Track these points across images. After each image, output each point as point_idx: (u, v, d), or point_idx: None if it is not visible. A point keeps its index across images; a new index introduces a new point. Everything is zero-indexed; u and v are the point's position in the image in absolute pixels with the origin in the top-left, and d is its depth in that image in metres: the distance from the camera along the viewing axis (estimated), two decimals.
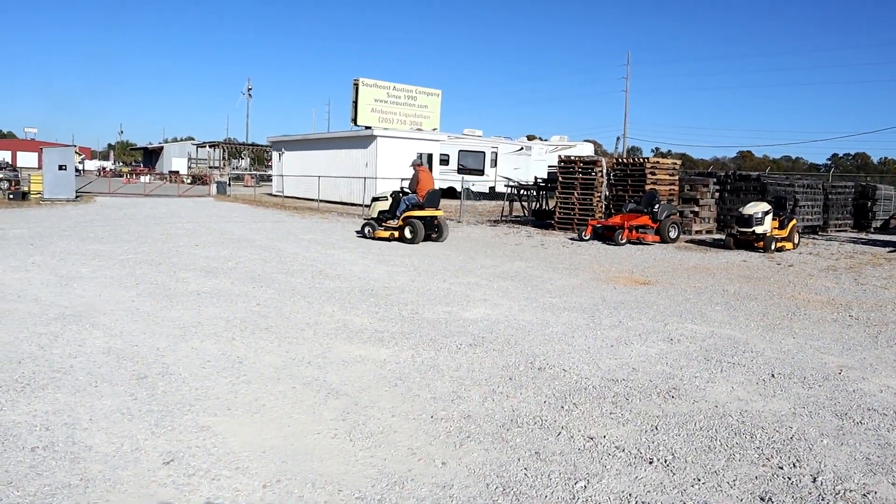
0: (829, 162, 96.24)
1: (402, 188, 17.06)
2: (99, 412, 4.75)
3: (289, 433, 4.48)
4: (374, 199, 16.91)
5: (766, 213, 16.23)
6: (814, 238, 20.67)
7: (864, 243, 19.34)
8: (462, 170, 34.90)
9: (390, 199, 16.39)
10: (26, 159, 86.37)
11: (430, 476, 3.92)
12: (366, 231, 16.62)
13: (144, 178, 53.51)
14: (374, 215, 16.62)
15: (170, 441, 4.30)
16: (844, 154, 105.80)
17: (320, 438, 4.41)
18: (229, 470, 3.93)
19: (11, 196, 27.58)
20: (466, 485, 3.82)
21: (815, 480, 4.00)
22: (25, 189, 28.69)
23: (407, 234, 15.83)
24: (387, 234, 16.16)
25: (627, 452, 4.32)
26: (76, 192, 28.74)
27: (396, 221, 16.08)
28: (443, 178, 32.99)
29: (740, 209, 16.92)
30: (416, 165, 17.01)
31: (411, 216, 15.86)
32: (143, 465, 3.96)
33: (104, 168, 77.47)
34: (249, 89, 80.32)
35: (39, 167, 41.99)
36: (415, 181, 16.41)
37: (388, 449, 4.27)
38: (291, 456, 4.13)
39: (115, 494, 3.62)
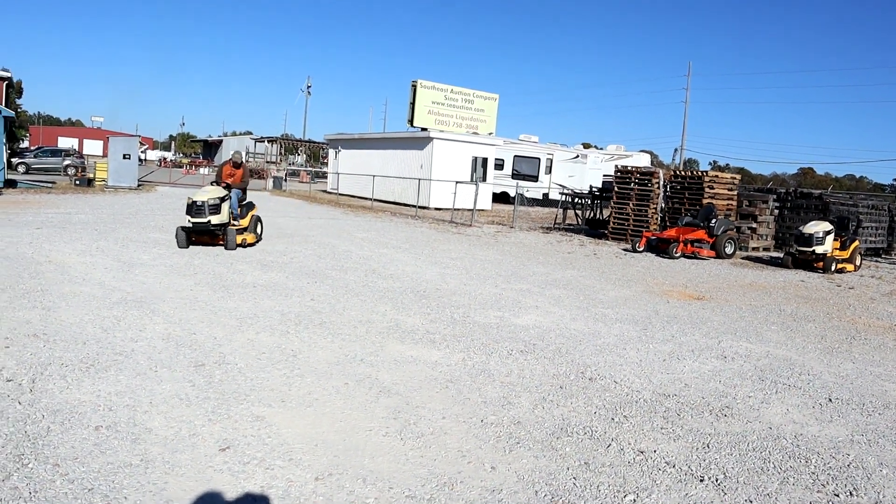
0: None
1: (216, 181, 13.52)
2: (158, 396, 4.90)
3: (341, 428, 4.56)
4: (223, 199, 12.57)
5: (828, 232, 15.82)
6: (877, 261, 20.06)
7: None
8: (516, 175, 34.85)
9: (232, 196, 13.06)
10: (92, 147, 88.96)
11: (479, 479, 3.94)
12: (236, 241, 12.58)
13: (203, 170, 54.70)
14: (228, 219, 12.72)
15: (226, 429, 4.41)
16: None
17: (372, 435, 4.48)
18: (283, 460, 4.01)
19: (78, 182, 28.54)
20: (515, 490, 3.84)
21: None
22: (91, 176, 29.62)
23: (260, 231, 14.05)
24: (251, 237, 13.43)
25: (678, 469, 4.28)
26: (138, 181, 29.55)
27: (243, 221, 13.32)
28: (497, 182, 33.01)
29: (800, 228, 16.51)
30: (241, 161, 14.16)
31: (255, 213, 13.81)
32: (200, 450, 4.08)
33: (165, 158, 79.53)
34: (309, 87, 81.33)
35: (104, 155, 43.25)
36: (248, 175, 14.12)
37: (438, 450, 4.31)
38: (343, 451, 4.20)
39: (174, 477, 3.74)
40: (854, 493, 4.11)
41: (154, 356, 5.82)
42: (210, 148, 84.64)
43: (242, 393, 5.09)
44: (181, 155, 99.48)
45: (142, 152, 60.50)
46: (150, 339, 6.33)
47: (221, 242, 12.68)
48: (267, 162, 64.68)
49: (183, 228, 12.49)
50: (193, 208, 12.30)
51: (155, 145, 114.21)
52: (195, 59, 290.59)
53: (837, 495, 4.07)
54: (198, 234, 12.61)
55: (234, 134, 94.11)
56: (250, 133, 78.40)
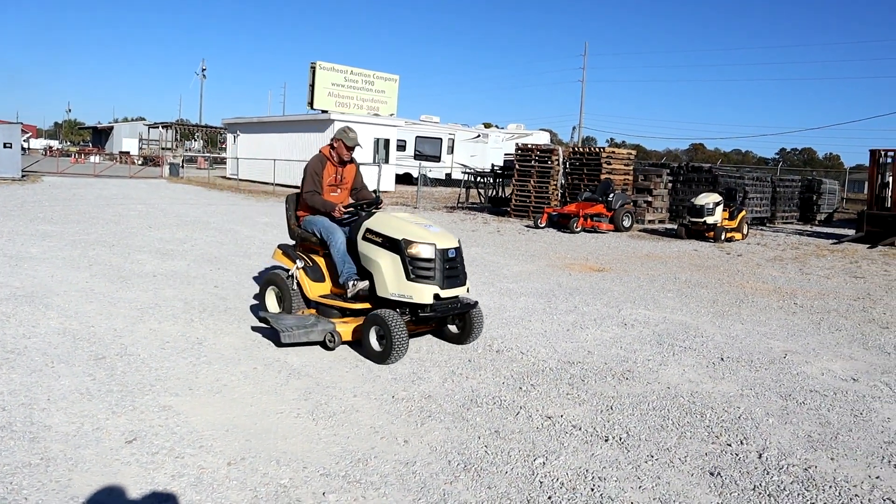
0: (777, 156, 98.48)
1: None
2: (57, 392, 4.71)
3: (252, 412, 4.51)
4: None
5: (717, 204, 16.64)
6: (762, 229, 21.25)
7: (808, 235, 19.97)
8: (419, 156, 34.93)
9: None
10: None
11: (393, 454, 4.00)
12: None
13: (94, 159, 52.10)
14: None
15: (131, 420, 4.29)
16: (792, 149, 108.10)
17: (283, 417, 4.46)
18: (193, 448, 3.95)
19: None
20: (429, 461, 3.91)
21: (760, 456, 4.19)
22: None
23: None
24: None
25: (584, 431, 4.46)
26: (22, 170, 27.94)
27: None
28: (399, 164, 32.97)
29: (692, 200, 17.31)
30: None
31: None
32: (105, 444, 3.96)
33: (51, 147, 75.26)
34: (203, 70, 78.75)
35: None
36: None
37: (350, 427, 4.34)
38: (255, 435, 4.17)
39: (78, 473, 3.62)
40: (744, 441, 4.41)
41: (50, 352, 5.57)
42: (100, 135, 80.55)
43: (147, 383, 4.95)
44: (69, 143, 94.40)
45: (24, 141, 57.02)
46: (45, 334, 6.05)
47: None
48: (162, 148, 62.27)
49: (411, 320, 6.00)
50: (446, 262, 6.18)
51: (39, 133, 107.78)
52: (81, 41, 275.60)
53: (730, 445, 4.34)
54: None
55: (125, 120, 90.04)
56: (143, 119, 75.19)
